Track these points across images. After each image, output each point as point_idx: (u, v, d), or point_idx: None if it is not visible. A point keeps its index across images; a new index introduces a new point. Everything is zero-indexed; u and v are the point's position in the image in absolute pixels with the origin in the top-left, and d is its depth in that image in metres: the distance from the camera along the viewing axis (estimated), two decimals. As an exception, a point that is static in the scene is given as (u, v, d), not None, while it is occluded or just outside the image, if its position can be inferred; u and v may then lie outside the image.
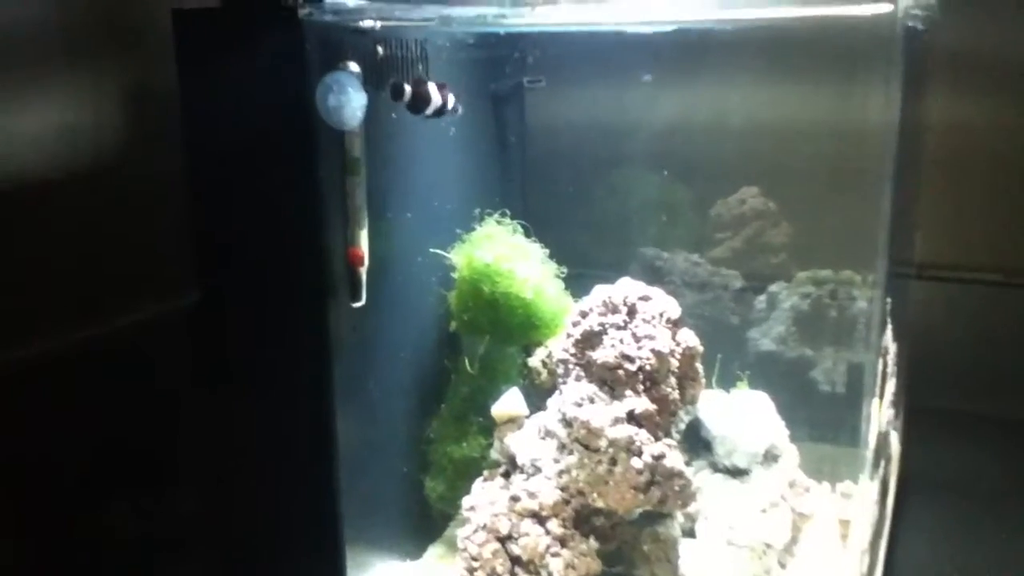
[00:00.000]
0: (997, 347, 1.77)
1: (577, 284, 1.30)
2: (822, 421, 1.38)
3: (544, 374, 1.30)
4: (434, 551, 1.33)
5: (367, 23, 1.08)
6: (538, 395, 1.27)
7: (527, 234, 1.33)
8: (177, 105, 1.09)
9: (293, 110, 1.04)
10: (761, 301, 1.58)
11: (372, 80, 1.11)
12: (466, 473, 1.27)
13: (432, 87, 1.15)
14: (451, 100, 1.18)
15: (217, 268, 1.14)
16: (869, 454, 1.08)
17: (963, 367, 1.77)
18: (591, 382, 1.16)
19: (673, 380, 1.18)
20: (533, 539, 1.14)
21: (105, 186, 1.32)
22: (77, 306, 1.31)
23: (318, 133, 1.04)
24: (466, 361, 1.32)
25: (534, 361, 1.31)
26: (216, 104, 1.08)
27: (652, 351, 1.15)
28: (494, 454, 1.25)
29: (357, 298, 1.13)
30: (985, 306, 1.79)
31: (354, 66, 1.06)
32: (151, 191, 1.34)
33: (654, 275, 1.61)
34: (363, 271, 1.13)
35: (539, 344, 1.32)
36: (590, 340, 1.18)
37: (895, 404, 1.33)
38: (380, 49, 1.13)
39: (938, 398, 1.64)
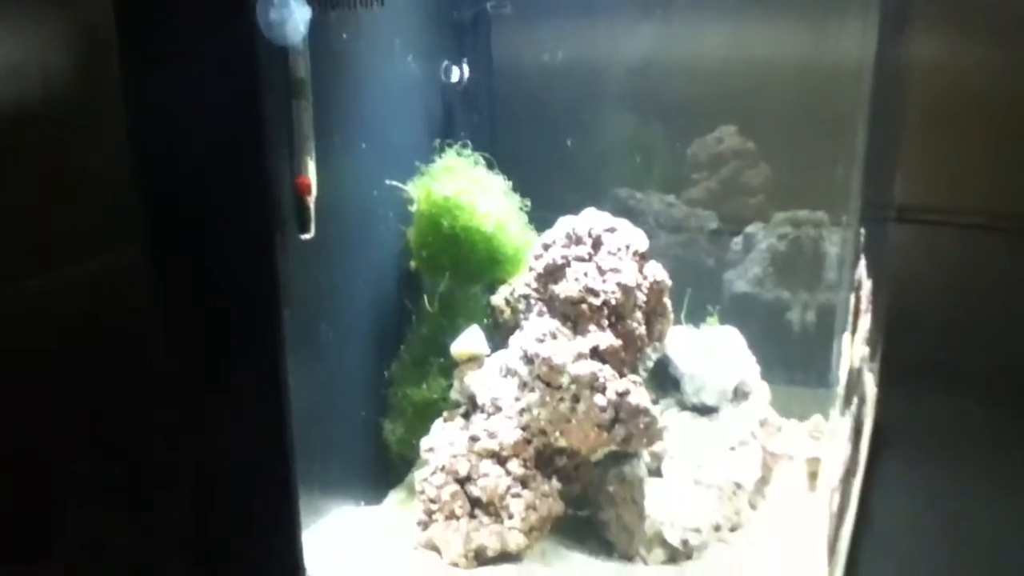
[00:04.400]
0: (978, 292, 1.74)
1: (546, 226, 1.24)
2: (796, 362, 1.35)
3: (507, 312, 1.25)
4: (395, 496, 1.28)
5: (309, -70, 1.00)
6: (501, 335, 1.23)
7: (490, 166, 1.27)
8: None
9: (231, 27, 0.97)
10: (737, 243, 1.53)
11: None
12: (426, 416, 1.22)
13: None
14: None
15: (155, 200, 1.07)
16: (840, 389, 1.03)
17: (943, 313, 1.74)
18: (554, 317, 1.12)
19: (640, 315, 1.13)
20: (493, 480, 1.10)
21: (37, 125, 1.24)
22: (16, 256, 1.24)
23: (259, 50, 0.97)
24: (426, 300, 1.26)
25: (497, 299, 1.26)
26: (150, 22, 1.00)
27: (618, 284, 1.11)
28: (454, 394, 1.20)
29: (306, 229, 1.07)
30: (967, 250, 1.76)
31: (297, -22, 0.99)
32: (87, 126, 1.26)
33: (627, 216, 1.57)
34: (311, 201, 1.06)
35: (502, 282, 1.27)
36: (553, 274, 1.13)
37: (870, 343, 1.29)
38: (327, -38, 1.06)
39: (917, 345, 1.61)
